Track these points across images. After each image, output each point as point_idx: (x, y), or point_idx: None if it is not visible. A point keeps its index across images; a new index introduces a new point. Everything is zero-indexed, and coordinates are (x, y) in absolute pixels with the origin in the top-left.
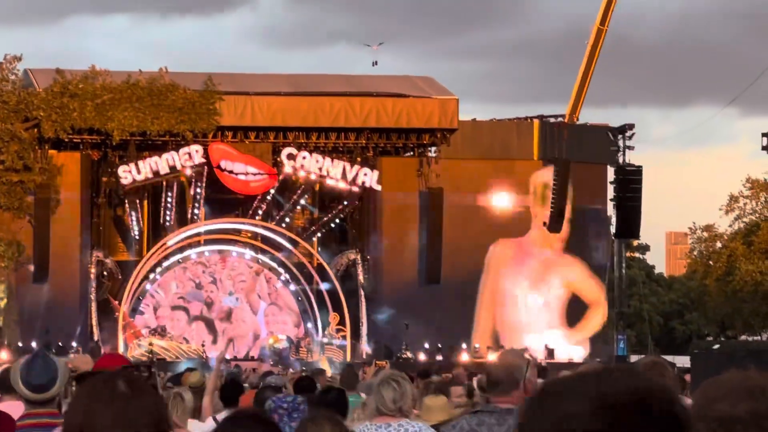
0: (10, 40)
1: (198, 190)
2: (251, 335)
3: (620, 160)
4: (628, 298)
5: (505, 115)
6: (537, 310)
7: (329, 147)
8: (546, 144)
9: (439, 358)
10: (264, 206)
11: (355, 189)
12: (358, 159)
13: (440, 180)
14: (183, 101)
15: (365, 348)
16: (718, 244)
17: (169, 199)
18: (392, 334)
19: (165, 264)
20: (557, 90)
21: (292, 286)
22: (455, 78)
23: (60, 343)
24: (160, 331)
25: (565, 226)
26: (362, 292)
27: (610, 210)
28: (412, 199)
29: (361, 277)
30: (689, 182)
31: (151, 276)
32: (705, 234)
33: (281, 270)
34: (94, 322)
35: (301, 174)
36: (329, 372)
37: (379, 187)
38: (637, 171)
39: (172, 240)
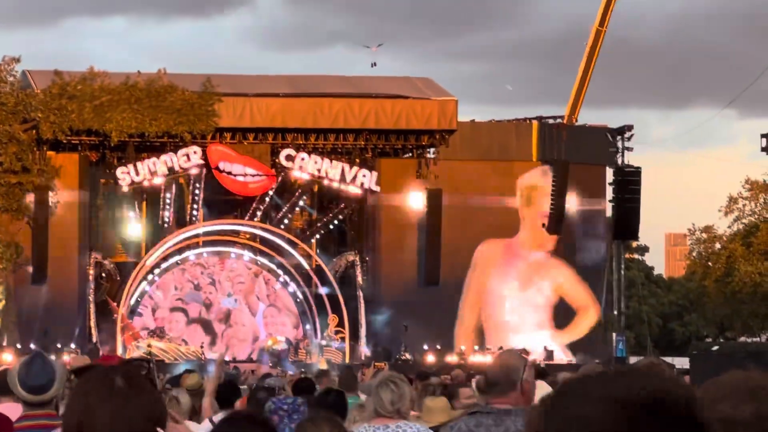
0: (8, 42)
1: (196, 191)
2: (250, 337)
3: (619, 161)
4: (627, 299)
5: (504, 117)
6: (524, 311)
7: (328, 148)
8: (545, 145)
9: (431, 359)
10: (263, 208)
11: (354, 190)
12: (357, 160)
13: (439, 181)
14: (181, 102)
15: (364, 350)
16: (717, 246)
17: (167, 201)
18: (391, 335)
19: (163, 265)
20: (556, 91)
21: (291, 288)
22: (454, 79)
23: (59, 345)
24: (159, 333)
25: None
26: (361, 294)
27: (609, 211)
28: (411, 200)
29: (359, 279)
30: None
31: (150, 277)
32: (704, 235)
33: (280, 272)
34: (93, 323)
35: (300, 175)
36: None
37: (378, 189)
38: (636, 172)
39: (171, 241)
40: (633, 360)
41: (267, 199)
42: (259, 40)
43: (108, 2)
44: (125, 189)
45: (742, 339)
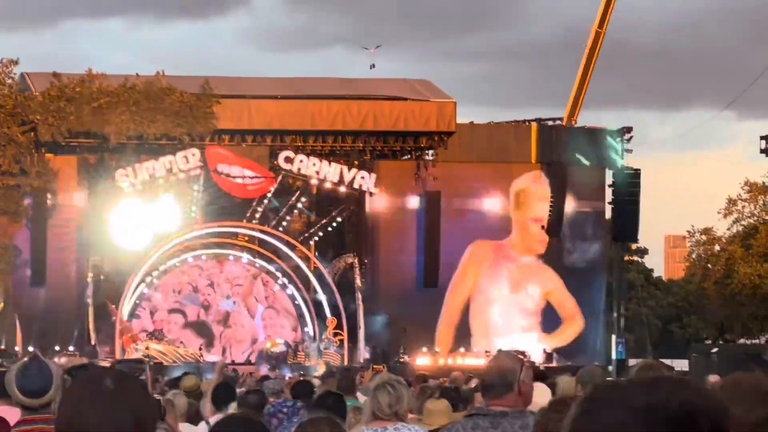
0: (7, 44)
1: (195, 193)
2: (249, 339)
3: (618, 163)
4: (627, 301)
5: (502, 118)
6: (512, 314)
7: (326, 150)
8: (544, 147)
9: (425, 361)
10: (261, 210)
11: (353, 192)
12: (356, 162)
13: (438, 183)
14: (180, 105)
15: (363, 352)
16: (717, 248)
17: (166, 203)
18: (390, 338)
19: (162, 268)
20: (555, 93)
21: (289, 290)
22: (453, 81)
23: (57, 347)
24: (157, 335)
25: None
26: (359, 296)
27: (609, 213)
28: (410, 202)
29: (358, 281)
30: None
31: (148, 280)
32: (703, 237)
33: (278, 274)
34: (91, 326)
35: (299, 177)
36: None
37: (376, 191)
38: (635, 174)
39: (169, 244)
40: (632, 362)
41: (265, 201)
42: (257, 41)
43: (106, 4)
44: (124, 191)
45: (742, 341)
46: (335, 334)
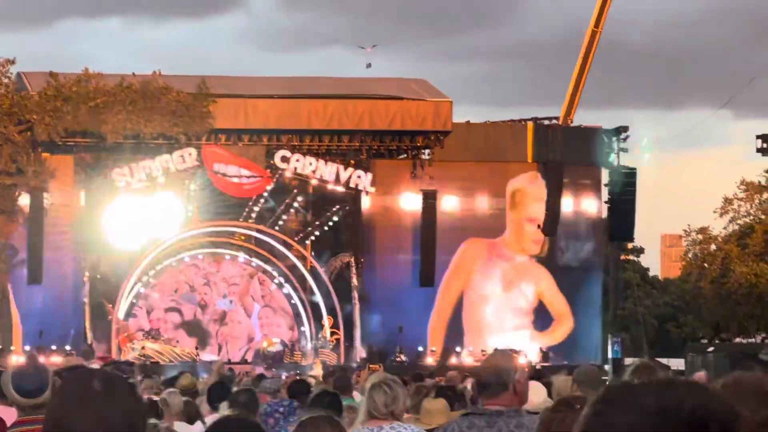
0: (3, 44)
1: (191, 193)
2: (245, 338)
3: (615, 162)
4: (623, 300)
5: (499, 118)
6: (505, 313)
7: (323, 149)
8: (540, 146)
9: (429, 361)
10: (257, 209)
11: (349, 191)
12: (352, 162)
13: (434, 182)
14: (176, 104)
15: (359, 351)
16: (713, 247)
17: (162, 202)
18: (386, 337)
19: (158, 267)
20: (551, 92)
21: (286, 289)
22: (449, 80)
23: (53, 347)
24: (154, 334)
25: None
26: (356, 295)
27: (605, 212)
28: (406, 201)
29: (354, 280)
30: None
31: (145, 279)
32: (699, 236)
33: (275, 273)
34: (88, 324)
35: (295, 176)
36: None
37: (373, 190)
38: (632, 173)
39: (166, 243)
40: (628, 361)
41: (262, 200)
42: (254, 41)
43: (102, 3)
44: (120, 190)
45: (738, 340)
46: (332, 333)
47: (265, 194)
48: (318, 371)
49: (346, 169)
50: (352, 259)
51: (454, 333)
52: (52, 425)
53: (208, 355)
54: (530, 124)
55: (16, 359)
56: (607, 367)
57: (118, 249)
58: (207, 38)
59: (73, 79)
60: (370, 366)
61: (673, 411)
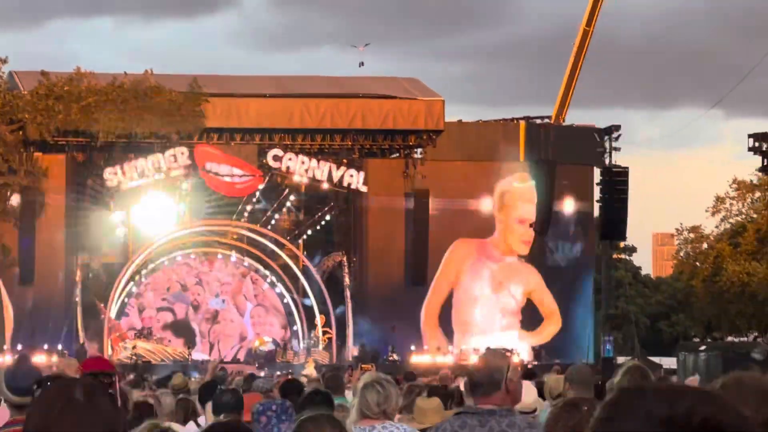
0: None
1: (184, 192)
2: (237, 337)
3: (606, 161)
4: (615, 299)
5: (491, 117)
6: (494, 313)
7: (315, 149)
8: (532, 145)
9: (419, 360)
10: (250, 208)
11: (341, 190)
12: (344, 161)
13: (426, 181)
14: (168, 103)
15: (351, 350)
16: (705, 246)
17: (154, 201)
18: (378, 336)
19: (151, 266)
20: (543, 91)
21: (278, 289)
22: (441, 79)
23: (45, 346)
24: (146, 334)
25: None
26: (348, 294)
27: (597, 211)
28: (398, 200)
29: (346, 279)
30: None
31: (137, 278)
32: (691, 235)
33: (267, 272)
34: (80, 324)
35: (287, 176)
36: (314, 374)
37: (365, 189)
38: (624, 172)
39: (158, 242)
40: (621, 360)
41: (254, 199)
42: (245, 41)
43: (93, 3)
44: (112, 190)
45: (730, 339)
46: (324, 333)
47: (257, 193)
48: (310, 370)
49: (338, 168)
50: (344, 258)
51: (445, 333)
52: None
53: (199, 355)
54: (522, 123)
55: (9, 359)
56: (598, 366)
57: (109, 248)
58: (198, 38)
59: (64, 79)
60: (363, 366)
61: (684, 420)
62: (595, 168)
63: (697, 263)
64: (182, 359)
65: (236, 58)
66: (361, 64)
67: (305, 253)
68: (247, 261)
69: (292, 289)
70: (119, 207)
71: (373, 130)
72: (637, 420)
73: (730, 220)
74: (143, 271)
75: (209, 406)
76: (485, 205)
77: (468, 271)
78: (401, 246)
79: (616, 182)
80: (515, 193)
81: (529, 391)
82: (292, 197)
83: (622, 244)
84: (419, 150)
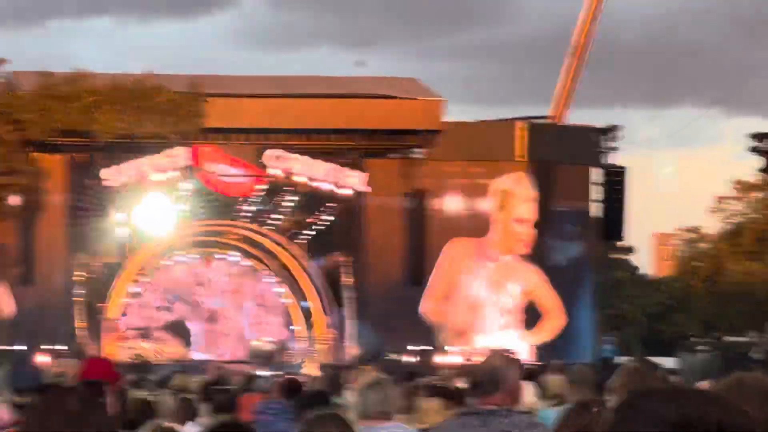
0: None
1: (183, 192)
2: (237, 337)
3: (606, 161)
4: (614, 299)
5: (490, 116)
6: (491, 313)
7: (315, 149)
8: (531, 145)
9: (417, 359)
10: (249, 209)
11: (342, 191)
12: (344, 161)
13: (425, 181)
14: (168, 103)
15: (351, 350)
16: (704, 245)
17: (154, 201)
18: (378, 336)
19: (150, 266)
20: (543, 91)
21: (278, 289)
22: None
23: (45, 346)
24: (145, 333)
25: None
26: (348, 294)
27: (596, 211)
28: (398, 200)
29: (347, 279)
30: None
31: (137, 278)
32: (691, 235)
33: (266, 272)
34: (80, 324)
35: (287, 176)
36: (313, 374)
37: (365, 189)
38: (623, 172)
39: (157, 242)
40: (620, 360)
41: (254, 200)
42: (244, 41)
43: (93, 3)
44: (112, 190)
45: (729, 338)
46: (323, 333)
47: (257, 194)
48: (310, 370)
49: (339, 168)
50: (344, 259)
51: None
52: None
53: (199, 355)
54: (522, 123)
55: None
56: (599, 368)
57: (109, 248)
58: (198, 38)
59: (64, 79)
60: (363, 367)
61: (694, 424)
62: (594, 168)
63: (697, 263)
64: (182, 359)
65: (236, 58)
66: (361, 63)
67: (305, 253)
68: (247, 261)
69: (291, 289)
70: (119, 207)
71: (373, 130)
72: (649, 423)
73: (730, 220)
74: (143, 271)
75: (203, 406)
76: (485, 204)
77: (465, 271)
78: (401, 246)
79: (616, 182)
80: (513, 193)
81: (527, 391)
82: (291, 197)
83: (621, 244)
84: (419, 150)
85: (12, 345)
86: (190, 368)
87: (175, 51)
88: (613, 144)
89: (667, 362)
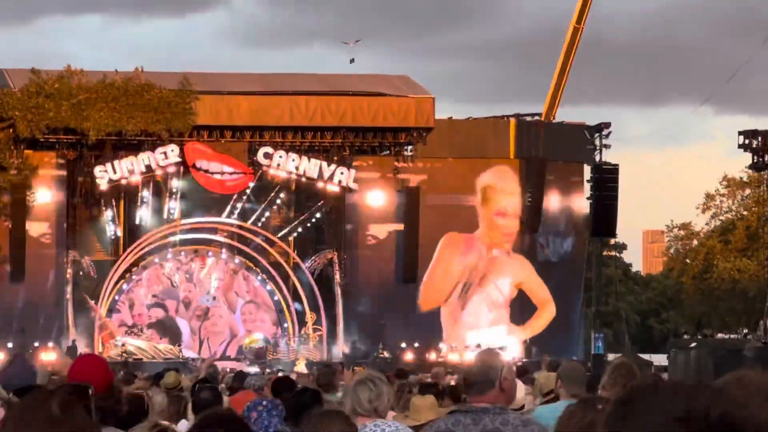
0: None
1: (174, 189)
2: (228, 334)
3: (597, 158)
4: (605, 296)
5: (481, 114)
6: (481, 308)
7: (305, 146)
8: (522, 143)
9: (410, 357)
10: (240, 206)
11: (332, 188)
12: (335, 158)
13: (416, 179)
14: (158, 101)
15: (342, 348)
16: (695, 243)
17: (145, 199)
18: (369, 333)
19: (141, 263)
20: (534, 89)
21: (269, 286)
22: (431, 77)
23: (36, 344)
24: (137, 331)
25: (519, 226)
26: (339, 291)
27: (587, 208)
28: (389, 198)
29: (337, 277)
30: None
31: (128, 275)
32: (681, 232)
33: (257, 269)
34: (71, 322)
35: (278, 173)
36: (305, 371)
37: (355, 186)
38: (614, 169)
39: (148, 239)
40: (611, 357)
41: (244, 197)
42: (235, 38)
43: (83, 1)
44: (103, 187)
45: (720, 336)
46: (314, 330)
47: (248, 191)
48: (301, 368)
49: (328, 165)
50: (335, 256)
51: (436, 329)
52: None
53: (189, 352)
54: (513, 120)
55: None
56: (589, 363)
57: (100, 246)
58: (188, 35)
59: (55, 76)
60: (355, 368)
61: (701, 417)
62: (585, 165)
63: (688, 260)
64: (173, 357)
65: (226, 55)
66: (352, 60)
67: (296, 250)
68: (238, 258)
69: (282, 286)
70: (109, 204)
71: (364, 128)
72: (654, 417)
73: (720, 217)
74: (134, 269)
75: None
76: (476, 201)
77: (456, 266)
78: (392, 243)
79: (607, 179)
80: (496, 187)
81: (518, 388)
82: (282, 195)
83: (612, 241)
84: (409, 147)
85: (4, 343)
86: (182, 366)
87: (166, 48)
88: (605, 141)
89: (658, 359)
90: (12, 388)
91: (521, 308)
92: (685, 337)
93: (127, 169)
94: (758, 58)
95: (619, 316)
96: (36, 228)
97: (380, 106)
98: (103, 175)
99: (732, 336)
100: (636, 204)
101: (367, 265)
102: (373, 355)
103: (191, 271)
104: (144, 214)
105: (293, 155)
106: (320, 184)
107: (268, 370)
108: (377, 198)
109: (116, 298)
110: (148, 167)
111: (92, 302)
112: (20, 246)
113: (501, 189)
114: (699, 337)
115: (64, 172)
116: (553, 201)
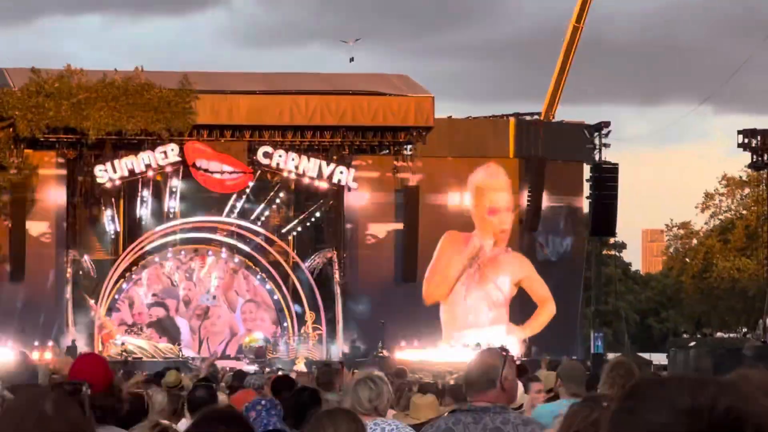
0: None
1: (174, 188)
2: (228, 333)
3: (596, 157)
4: (605, 295)
5: (481, 113)
6: (480, 306)
7: (305, 145)
8: (522, 142)
9: (404, 355)
10: (240, 205)
11: (332, 187)
12: (334, 157)
13: (416, 178)
14: (158, 100)
15: (341, 347)
16: (694, 242)
17: (144, 198)
18: (369, 332)
19: (141, 262)
20: (533, 88)
21: (269, 285)
22: (431, 76)
23: (36, 343)
24: (137, 330)
25: (517, 224)
26: (338, 291)
27: (587, 208)
28: (389, 197)
29: (337, 276)
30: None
31: (128, 275)
32: (681, 231)
33: (257, 268)
34: (71, 321)
35: (277, 172)
36: (304, 370)
37: (355, 185)
38: (613, 169)
39: (148, 239)
40: (611, 356)
41: (244, 196)
42: (235, 37)
43: (83, 1)
44: (103, 186)
45: (719, 335)
46: (314, 329)
47: (248, 190)
48: (301, 367)
49: (328, 164)
50: (335, 255)
51: (436, 328)
52: None
53: (189, 351)
54: (512, 119)
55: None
56: (588, 362)
57: (100, 245)
58: (188, 34)
59: (55, 76)
60: (355, 371)
61: (707, 410)
62: (584, 164)
63: (687, 259)
64: (173, 356)
65: (226, 54)
66: (352, 59)
67: (295, 249)
68: (237, 257)
69: (282, 285)
70: (109, 204)
71: (363, 127)
72: (660, 411)
73: (720, 217)
74: (134, 268)
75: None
76: (469, 201)
77: (455, 264)
78: (391, 242)
79: (606, 178)
80: (487, 185)
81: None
82: (281, 194)
83: (611, 241)
84: (409, 147)
85: (4, 343)
86: (182, 365)
87: (166, 48)
88: (604, 141)
89: (658, 358)
90: (12, 387)
91: (521, 307)
92: (685, 336)
93: (127, 168)
94: (758, 58)
95: (618, 315)
96: (36, 227)
97: (380, 106)
98: (103, 175)
99: (731, 335)
100: (635, 203)
101: (366, 265)
102: (372, 354)
103: (191, 270)
104: (144, 214)
105: (293, 154)
106: (320, 184)
107: (267, 369)
108: (377, 197)
109: (116, 297)
110: (148, 166)
111: (91, 301)
112: (20, 245)
113: (490, 186)
114: (698, 336)
115: (64, 172)
116: (552, 200)
